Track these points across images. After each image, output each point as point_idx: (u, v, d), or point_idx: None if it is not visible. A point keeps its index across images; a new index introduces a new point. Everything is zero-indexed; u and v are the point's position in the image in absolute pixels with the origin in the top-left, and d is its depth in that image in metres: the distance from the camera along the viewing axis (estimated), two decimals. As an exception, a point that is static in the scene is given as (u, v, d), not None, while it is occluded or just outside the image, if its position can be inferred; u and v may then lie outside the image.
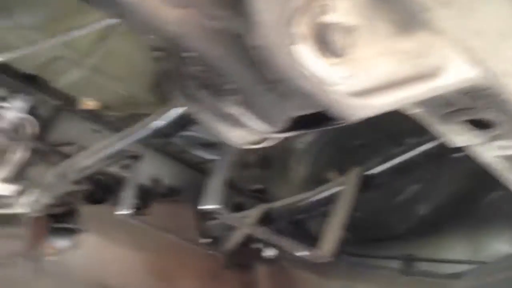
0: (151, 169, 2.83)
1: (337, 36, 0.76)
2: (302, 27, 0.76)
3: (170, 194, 2.90)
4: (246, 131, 1.04)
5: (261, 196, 3.07)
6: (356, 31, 0.77)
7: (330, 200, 2.02)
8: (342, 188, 1.95)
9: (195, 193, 2.94)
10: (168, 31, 0.84)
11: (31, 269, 2.09)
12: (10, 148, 2.52)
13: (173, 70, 0.96)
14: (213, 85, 0.95)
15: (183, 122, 1.89)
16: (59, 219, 2.93)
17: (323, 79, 0.78)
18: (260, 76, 0.86)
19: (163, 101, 2.22)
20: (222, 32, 0.86)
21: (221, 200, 1.68)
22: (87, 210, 2.59)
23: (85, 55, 2.05)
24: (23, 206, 2.46)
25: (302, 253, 1.98)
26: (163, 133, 1.96)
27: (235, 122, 0.99)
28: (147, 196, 2.75)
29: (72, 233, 2.89)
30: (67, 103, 2.58)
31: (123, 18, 0.82)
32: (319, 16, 0.76)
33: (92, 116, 2.62)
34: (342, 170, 2.12)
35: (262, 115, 0.93)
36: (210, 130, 1.03)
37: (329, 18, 0.75)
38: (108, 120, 2.64)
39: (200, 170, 2.98)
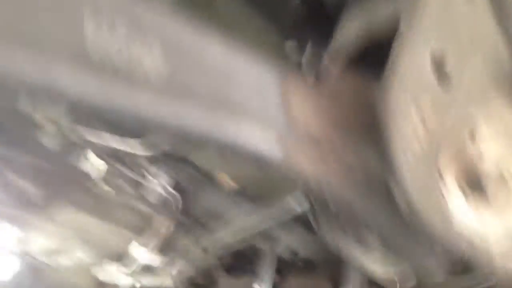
0: (289, 241, 2.79)
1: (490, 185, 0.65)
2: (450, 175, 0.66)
3: (306, 267, 2.82)
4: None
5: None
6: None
7: None
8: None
9: (332, 268, 2.83)
10: (311, 183, 0.79)
11: None
12: (158, 221, 2.66)
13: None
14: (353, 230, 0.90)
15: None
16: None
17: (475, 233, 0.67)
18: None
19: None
20: (363, 182, 0.79)
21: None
22: (227, 283, 2.61)
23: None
24: (169, 277, 2.55)
25: None
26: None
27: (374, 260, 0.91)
28: (283, 269, 2.70)
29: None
30: (209, 178, 2.67)
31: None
32: (469, 162, 0.66)
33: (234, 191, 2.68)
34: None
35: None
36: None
37: (480, 165, 0.66)
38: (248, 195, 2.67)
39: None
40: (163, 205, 2.60)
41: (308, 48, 0.99)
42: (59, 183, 2.50)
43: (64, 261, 2.84)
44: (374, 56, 0.79)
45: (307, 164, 0.74)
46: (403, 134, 0.64)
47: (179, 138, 1.92)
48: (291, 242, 2.81)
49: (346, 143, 0.76)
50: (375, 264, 0.90)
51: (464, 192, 0.67)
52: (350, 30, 0.93)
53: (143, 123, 0.66)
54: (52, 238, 2.70)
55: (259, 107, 0.72)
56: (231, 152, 0.78)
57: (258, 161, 0.75)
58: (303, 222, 2.78)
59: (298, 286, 2.56)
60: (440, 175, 0.66)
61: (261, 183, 2.31)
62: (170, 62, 0.68)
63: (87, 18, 0.64)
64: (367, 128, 0.77)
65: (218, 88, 0.72)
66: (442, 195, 0.66)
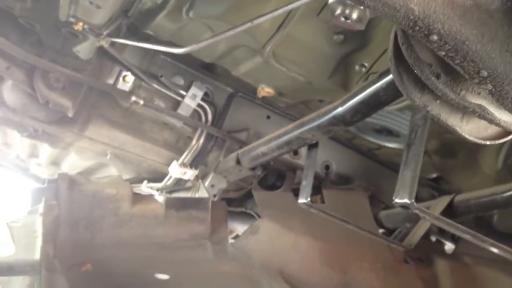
0: (323, 155, 2.80)
1: None
2: None
3: (340, 181, 2.85)
4: (485, 124, 0.92)
5: (436, 186, 2.87)
6: None
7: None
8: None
9: (368, 180, 2.86)
10: (412, 10, 0.75)
11: (216, 252, 2.18)
12: (189, 134, 2.67)
13: (407, 56, 0.87)
14: (453, 73, 0.84)
15: (365, 110, 1.78)
16: (235, 203, 3.05)
17: None
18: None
19: (341, 87, 2.14)
20: (474, 9, 0.75)
21: (414, 194, 1.55)
22: (261, 196, 2.64)
23: (264, 43, 2.04)
24: (202, 190, 2.58)
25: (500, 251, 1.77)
26: (342, 120, 1.88)
27: (474, 113, 0.87)
28: (318, 183, 2.72)
29: (249, 218, 3.00)
30: (242, 90, 2.65)
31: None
32: None
33: (265, 102, 2.67)
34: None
35: (515, 106, 0.80)
36: (442, 122, 0.92)
37: None
38: (280, 106, 2.66)
39: (371, 156, 2.88)
40: (194, 118, 2.60)
41: None
42: (93, 98, 2.50)
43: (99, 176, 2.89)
44: None
45: None
46: None
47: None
48: (325, 156, 2.82)
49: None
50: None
51: None
52: None
53: None
54: (85, 155, 2.73)
55: None
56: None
57: None
58: (336, 136, 2.79)
59: (335, 199, 2.58)
60: None
61: (298, 89, 2.28)
62: None
63: None
64: None
65: None
66: None
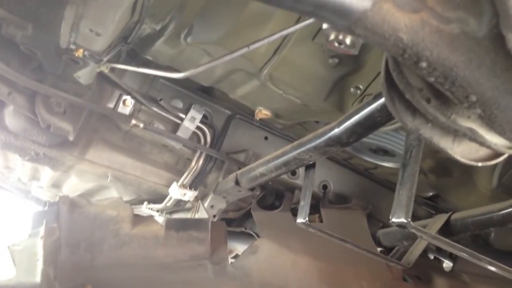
0: (320, 175, 2.83)
1: None
2: None
3: (338, 200, 2.88)
4: (476, 146, 0.95)
5: (433, 204, 2.90)
6: None
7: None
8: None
9: (365, 199, 2.89)
10: (401, 39, 0.78)
11: (216, 272, 2.19)
12: (189, 156, 2.70)
13: (398, 81, 0.91)
14: (443, 97, 0.88)
15: (361, 131, 1.81)
16: (234, 223, 3.08)
17: None
18: (509, 87, 0.77)
19: (337, 108, 2.18)
20: (461, 37, 0.78)
21: (411, 213, 1.58)
22: (260, 216, 2.66)
23: (261, 66, 2.09)
24: (202, 211, 2.61)
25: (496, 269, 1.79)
26: (338, 141, 1.91)
27: (464, 136, 0.91)
28: (316, 203, 2.75)
29: (248, 238, 3.02)
30: (240, 112, 2.70)
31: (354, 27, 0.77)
32: None
33: (262, 124, 2.71)
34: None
35: (503, 129, 0.84)
36: (434, 145, 0.96)
37: None
38: (277, 127, 2.71)
39: (368, 176, 2.91)
40: (193, 140, 2.64)
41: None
42: (94, 121, 2.54)
43: (100, 198, 2.91)
44: None
45: (400, 14, 0.73)
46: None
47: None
48: (322, 176, 2.85)
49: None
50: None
51: None
52: None
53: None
54: (86, 178, 2.75)
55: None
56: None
57: (341, 12, 0.72)
58: (333, 156, 2.82)
59: (333, 217, 2.61)
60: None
61: (294, 111, 2.33)
62: None
63: None
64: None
65: None
66: None
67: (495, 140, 0.88)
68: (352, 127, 1.83)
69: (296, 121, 2.53)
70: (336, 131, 1.89)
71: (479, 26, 0.75)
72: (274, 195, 2.87)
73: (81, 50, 1.99)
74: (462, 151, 0.97)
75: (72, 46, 1.98)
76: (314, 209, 2.70)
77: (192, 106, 2.61)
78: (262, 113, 2.36)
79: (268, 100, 2.31)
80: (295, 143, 2.12)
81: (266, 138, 2.77)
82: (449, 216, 2.19)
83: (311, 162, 2.15)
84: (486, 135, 0.88)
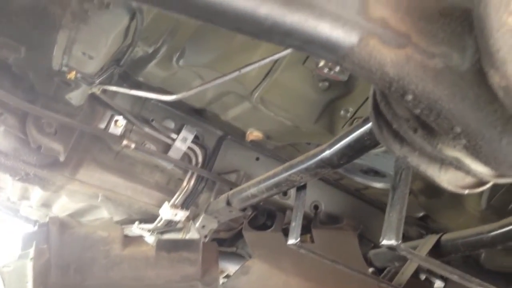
0: (311, 196, 2.84)
1: None
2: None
3: (329, 221, 2.88)
4: (463, 174, 0.97)
5: (424, 224, 2.91)
6: None
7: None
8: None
9: (356, 219, 2.90)
10: (387, 73, 0.80)
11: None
12: (180, 176, 2.71)
13: (386, 112, 0.93)
14: (429, 128, 0.90)
15: (351, 153, 1.83)
16: (226, 244, 3.07)
17: None
18: (492, 119, 0.79)
19: (327, 131, 2.20)
20: (445, 71, 0.81)
21: (401, 235, 1.59)
22: (251, 236, 2.66)
23: (252, 89, 2.11)
24: (193, 231, 2.60)
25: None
26: (329, 163, 1.93)
27: (451, 164, 0.92)
28: (308, 223, 2.76)
29: (240, 258, 3.01)
30: (232, 133, 2.71)
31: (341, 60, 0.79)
32: None
33: (254, 144, 2.72)
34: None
35: (488, 159, 0.85)
36: (421, 172, 0.97)
37: None
38: (268, 148, 2.72)
39: (359, 196, 2.93)
40: (184, 160, 2.64)
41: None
42: (85, 142, 2.54)
43: (90, 218, 2.89)
44: None
45: (386, 50, 0.75)
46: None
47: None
48: (313, 196, 2.86)
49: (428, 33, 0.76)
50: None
51: None
52: None
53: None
54: (77, 198, 2.75)
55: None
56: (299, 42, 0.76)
57: (328, 48, 0.74)
58: (324, 177, 2.83)
59: (324, 238, 2.61)
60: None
61: (285, 133, 2.34)
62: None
63: None
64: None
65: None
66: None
67: (481, 169, 0.90)
68: (342, 149, 1.84)
69: (287, 143, 2.55)
70: (327, 153, 1.91)
71: (462, 61, 0.77)
72: (266, 215, 2.86)
73: (74, 73, 2.00)
74: (448, 179, 0.98)
75: (65, 69, 2.00)
76: (306, 229, 2.70)
77: (184, 127, 2.62)
78: (253, 134, 2.38)
79: (259, 122, 2.33)
80: (286, 164, 2.13)
81: (257, 158, 2.79)
82: (439, 237, 2.20)
83: (302, 184, 2.17)
84: (471, 164, 0.89)
